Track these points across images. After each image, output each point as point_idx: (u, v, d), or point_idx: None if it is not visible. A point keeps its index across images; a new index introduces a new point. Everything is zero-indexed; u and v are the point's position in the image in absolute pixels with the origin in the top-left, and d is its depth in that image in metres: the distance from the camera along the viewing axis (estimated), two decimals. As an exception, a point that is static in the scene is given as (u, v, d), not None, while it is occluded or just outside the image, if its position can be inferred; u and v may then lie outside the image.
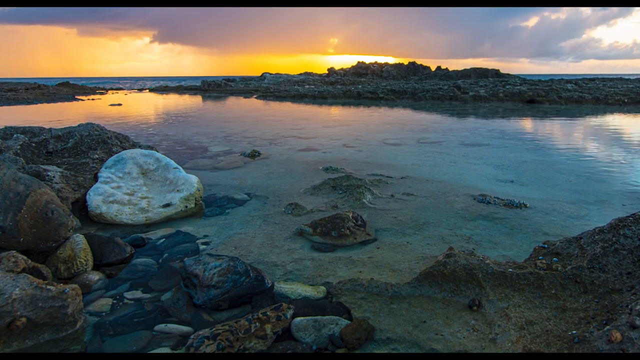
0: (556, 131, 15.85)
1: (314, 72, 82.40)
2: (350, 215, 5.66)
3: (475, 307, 3.48)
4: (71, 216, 4.55)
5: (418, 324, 3.39)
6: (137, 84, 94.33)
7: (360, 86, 45.86)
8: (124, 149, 7.90)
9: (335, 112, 24.38)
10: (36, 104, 32.05)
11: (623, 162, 10.11)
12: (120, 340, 3.33)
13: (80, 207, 6.08)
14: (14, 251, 3.70)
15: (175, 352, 3.14)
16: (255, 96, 41.59)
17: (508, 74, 64.00)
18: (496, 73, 63.33)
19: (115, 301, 3.91)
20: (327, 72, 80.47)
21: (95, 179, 6.53)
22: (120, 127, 16.92)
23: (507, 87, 36.55)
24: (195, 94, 48.46)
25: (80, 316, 3.43)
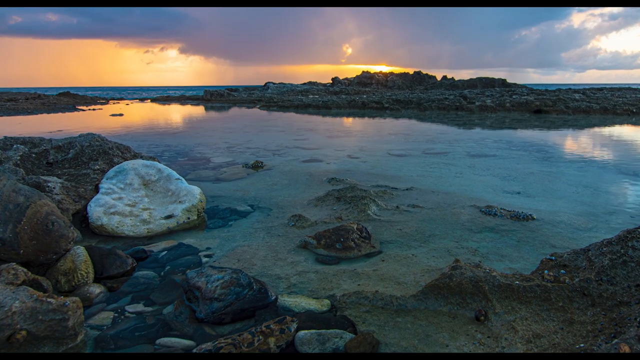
0: (563, 142, 15.85)
1: (319, 81, 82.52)
2: (355, 227, 5.66)
3: (482, 318, 3.48)
4: (72, 228, 4.56)
5: (423, 337, 3.39)
6: (149, 93, 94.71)
7: (365, 96, 45.94)
8: (126, 159, 7.92)
9: (340, 123, 24.42)
10: (36, 114, 32.15)
11: (631, 173, 10.10)
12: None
13: (81, 219, 6.09)
14: (14, 263, 3.70)
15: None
16: (258, 106, 41.66)
17: (515, 84, 64.03)
18: (503, 82, 63.37)
19: (116, 314, 3.91)
20: (331, 81, 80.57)
21: (96, 190, 6.55)
22: (121, 137, 16.96)
23: (514, 97, 36.55)
24: (197, 104, 48.57)
25: (80, 329, 3.43)
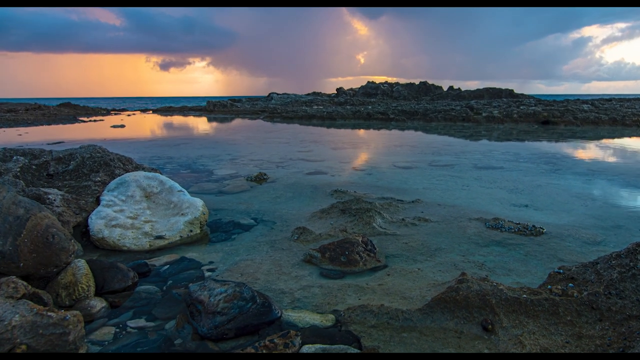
0: (572, 154, 15.83)
1: (322, 92, 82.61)
2: (360, 239, 5.67)
3: (489, 327, 3.48)
4: (72, 240, 4.57)
5: (430, 353, 3.39)
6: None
7: (370, 107, 46.03)
8: (127, 171, 7.94)
9: (345, 134, 24.44)
10: (36, 125, 32.25)
11: (642, 185, 10.10)
12: (123, 369, 3.34)
13: (82, 232, 6.11)
14: (14, 276, 3.71)
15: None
16: (261, 117, 41.73)
17: (522, 94, 64.06)
18: (510, 93, 63.43)
19: (117, 330, 3.92)
20: (335, 92, 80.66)
21: (98, 202, 6.56)
22: (123, 149, 16.99)
23: (521, 107, 36.59)
24: (200, 114, 48.68)
25: (81, 344, 3.44)
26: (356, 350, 3.38)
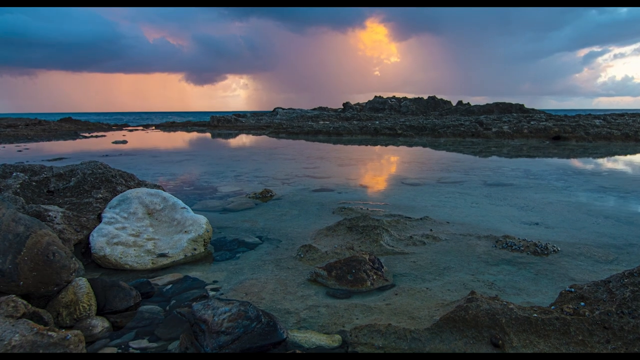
0: (583, 170, 15.79)
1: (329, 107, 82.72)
2: (367, 257, 5.66)
3: (500, 342, 3.48)
4: (73, 259, 4.59)
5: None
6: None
7: (377, 122, 46.03)
8: (129, 188, 7.97)
9: (351, 150, 24.46)
10: (37, 141, 32.37)
11: (656, 202, 10.07)
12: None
13: (83, 249, 6.13)
14: (14, 295, 3.73)
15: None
16: (266, 133, 41.82)
17: (532, 109, 63.99)
18: (520, 108, 63.37)
19: (120, 351, 3.92)
20: (342, 107, 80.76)
21: (99, 219, 6.59)
22: (124, 165, 17.05)
23: (532, 122, 36.56)
24: (203, 130, 48.82)
25: (83, 365, 3.45)
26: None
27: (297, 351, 3.54)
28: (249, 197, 10.63)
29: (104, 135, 40.10)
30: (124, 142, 31.55)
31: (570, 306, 3.75)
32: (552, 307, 3.87)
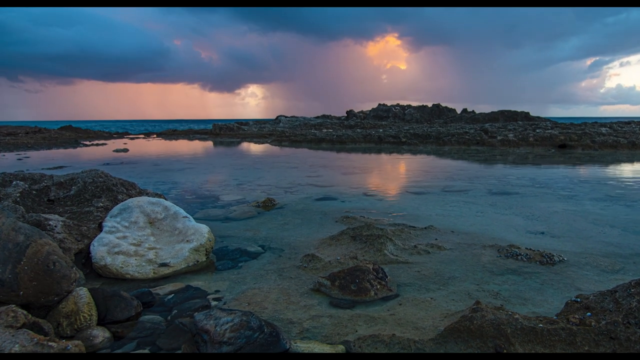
0: (589, 179, 15.76)
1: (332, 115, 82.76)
2: (371, 267, 5.66)
3: (505, 352, 3.48)
4: (74, 268, 4.60)
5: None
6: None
7: (381, 130, 46.04)
8: (130, 196, 7.98)
9: (355, 158, 24.49)
10: (37, 149, 32.42)
11: (663, 211, 10.05)
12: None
13: (84, 259, 6.12)
14: (14, 305, 3.74)
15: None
16: (269, 141, 41.86)
17: (538, 117, 63.97)
18: (526, 116, 63.35)
19: (121, 361, 3.93)
20: (346, 114, 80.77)
21: (100, 228, 6.58)
22: (126, 173, 17.08)
23: (537, 131, 36.54)
24: (205, 138, 48.87)
25: (84, 375, 3.45)
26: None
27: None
28: (252, 206, 10.63)
29: (105, 144, 40.17)
30: (125, 150, 31.59)
31: (576, 316, 3.75)
32: (558, 317, 3.87)
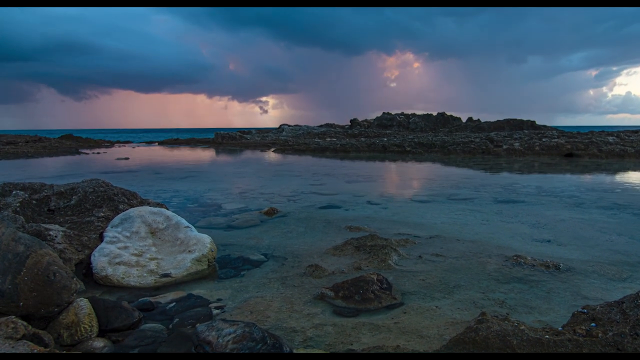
0: (596, 187, 15.73)
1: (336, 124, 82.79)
2: (375, 277, 5.65)
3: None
4: (75, 279, 4.59)
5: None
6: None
7: (385, 139, 46.06)
8: (132, 206, 7.97)
9: (359, 167, 24.51)
10: (37, 158, 32.50)
11: (671, 220, 10.03)
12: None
13: (85, 269, 6.12)
14: (13, 316, 3.72)
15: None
16: (272, 149, 41.91)
17: (544, 126, 63.89)
18: (532, 125, 63.28)
19: (122, 370, 3.92)
20: (349, 123, 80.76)
21: (101, 238, 6.58)
22: (127, 182, 17.09)
23: (543, 139, 36.50)
24: (208, 147, 48.97)
25: (84, 385, 3.44)
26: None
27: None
28: (254, 214, 10.64)
29: (106, 152, 40.27)
30: (126, 158, 31.66)
31: (583, 327, 3.73)
32: (565, 328, 3.86)
